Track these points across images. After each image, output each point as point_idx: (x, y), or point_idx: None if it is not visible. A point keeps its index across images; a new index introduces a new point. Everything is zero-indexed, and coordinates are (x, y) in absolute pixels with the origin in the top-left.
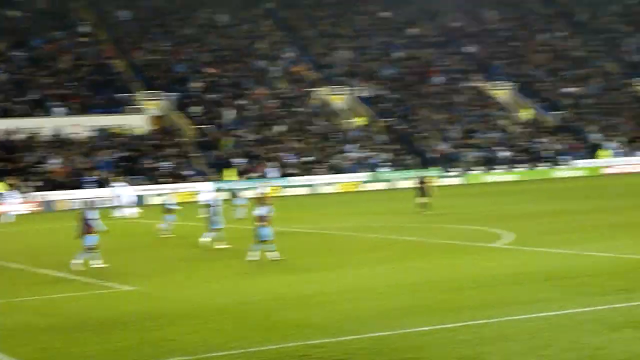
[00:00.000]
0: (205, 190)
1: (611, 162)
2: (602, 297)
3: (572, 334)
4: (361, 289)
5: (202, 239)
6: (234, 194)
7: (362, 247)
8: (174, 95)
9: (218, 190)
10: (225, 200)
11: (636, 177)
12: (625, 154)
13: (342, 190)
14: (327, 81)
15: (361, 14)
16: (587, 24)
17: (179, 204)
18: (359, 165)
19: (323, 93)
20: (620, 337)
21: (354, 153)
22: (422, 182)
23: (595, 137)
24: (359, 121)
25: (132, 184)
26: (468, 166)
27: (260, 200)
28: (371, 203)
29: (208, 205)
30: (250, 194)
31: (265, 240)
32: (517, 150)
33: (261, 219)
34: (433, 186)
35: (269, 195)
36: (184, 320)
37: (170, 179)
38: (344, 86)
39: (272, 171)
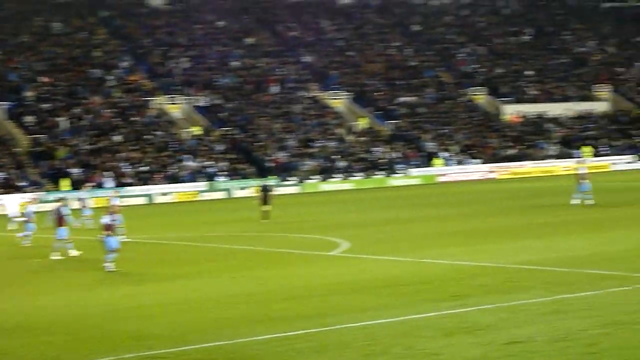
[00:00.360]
0: (11, 203)
1: (445, 170)
2: (437, 304)
3: (408, 340)
4: (200, 299)
5: (71, 253)
6: (83, 204)
7: (201, 257)
8: (7, 104)
9: (61, 200)
10: (73, 210)
11: (469, 185)
12: (459, 162)
13: (180, 200)
14: (164, 90)
15: (198, 23)
16: (422, 34)
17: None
18: (196, 175)
19: (160, 102)
20: (454, 342)
21: (191, 162)
22: (265, 190)
23: (430, 145)
24: (196, 130)
25: None
26: (305, 175)
27: (108, 210)
28: (209, 213)
29: (55, 215)
30: (90, 203)
31: (113, 250)
32: (353, 159)
33: (108, 227)
34: (274, 195)
35: (117, 205)
36: (16, 333)
37: (3, 190)
38: (180, 95)
39: (108, 181)
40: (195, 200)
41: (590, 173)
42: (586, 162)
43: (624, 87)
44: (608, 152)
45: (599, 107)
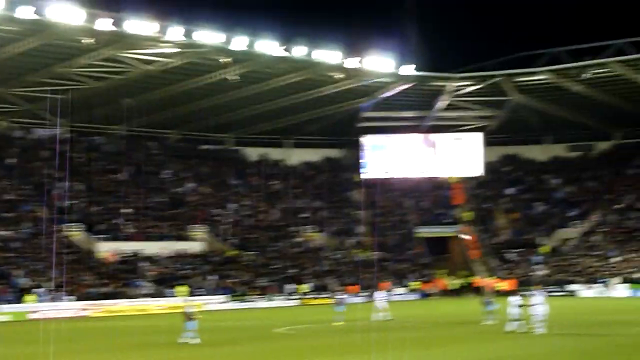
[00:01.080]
0: None
1: (38, 307)
2: None
3: None
4: None
5: None
6: None
7: None
8: None
9: None
10: None
11: (63, 322)
12: (53, 299)
13: None
14: None
15: None
16: (18, 167)
17: None
18: None
19: None
20: None
21: None
22: None
23: (22, 281)
24: None
25: None
26: None
27: None
28: None
29: None
30: None
31: None
32: None
33: None
34: None
35: None
36: None
37: None
38: None
39: None
40: None
41: (198, 312)
42: (194, 301)
43: (218, 227)
44: (202, 291)
45: (194, 246)
